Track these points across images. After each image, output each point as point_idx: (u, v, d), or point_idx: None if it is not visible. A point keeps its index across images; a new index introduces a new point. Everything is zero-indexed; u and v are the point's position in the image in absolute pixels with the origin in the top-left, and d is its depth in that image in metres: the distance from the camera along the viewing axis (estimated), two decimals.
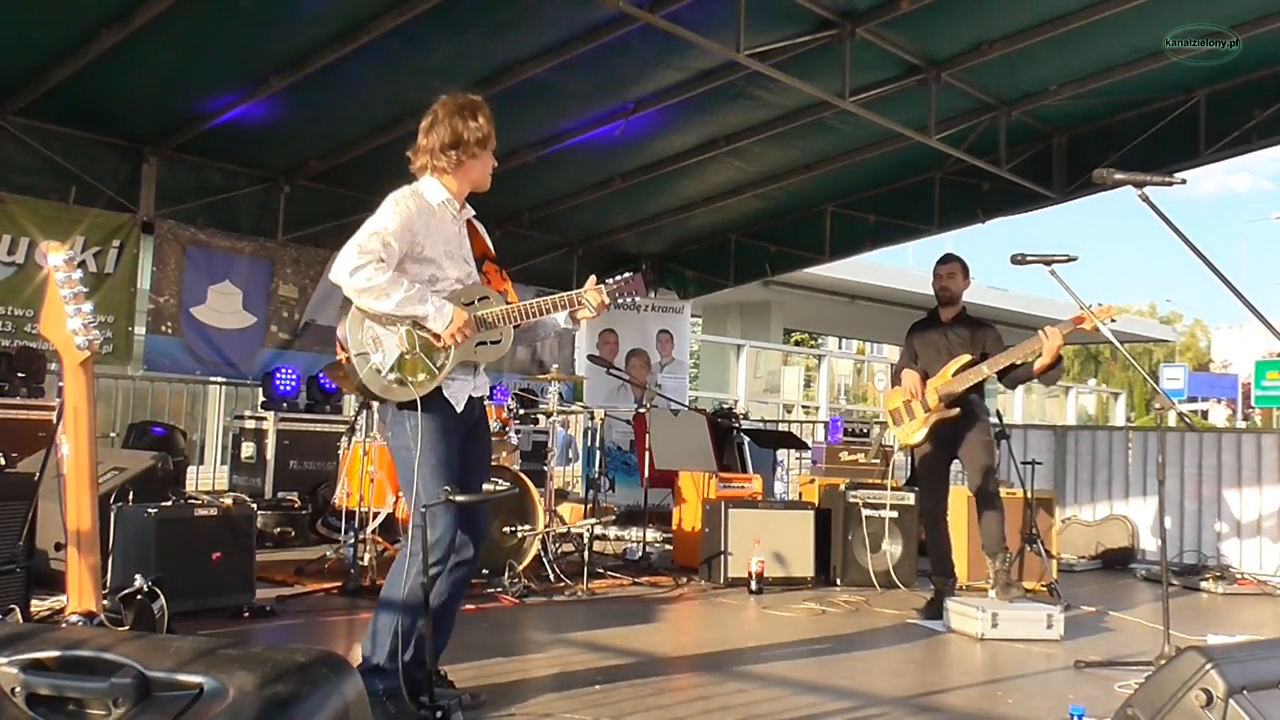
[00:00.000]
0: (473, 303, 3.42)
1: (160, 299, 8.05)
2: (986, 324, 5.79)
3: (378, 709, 3.21)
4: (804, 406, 21.95)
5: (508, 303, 3.50)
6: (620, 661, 4.23)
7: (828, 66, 6.91)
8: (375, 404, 3.48)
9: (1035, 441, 8.92)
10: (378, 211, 3.34)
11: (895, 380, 5.77)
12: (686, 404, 9.66)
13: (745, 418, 10.37)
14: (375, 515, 5.83)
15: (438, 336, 3.32)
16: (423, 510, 3.16)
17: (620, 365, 9.81)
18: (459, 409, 3.41)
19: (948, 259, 5.77)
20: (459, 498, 3.16)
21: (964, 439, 5.56)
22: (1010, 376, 5.50)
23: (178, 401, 8.86)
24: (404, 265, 3.32)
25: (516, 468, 6.24)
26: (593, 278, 3.60)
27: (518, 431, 6.70)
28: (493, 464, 5.89)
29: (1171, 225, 3.38)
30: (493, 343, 3.46)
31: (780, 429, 11.24)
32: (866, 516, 6.52)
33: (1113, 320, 4.82)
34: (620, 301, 3.58)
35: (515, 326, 3.50)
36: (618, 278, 3.62)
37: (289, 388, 8.20)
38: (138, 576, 2.90)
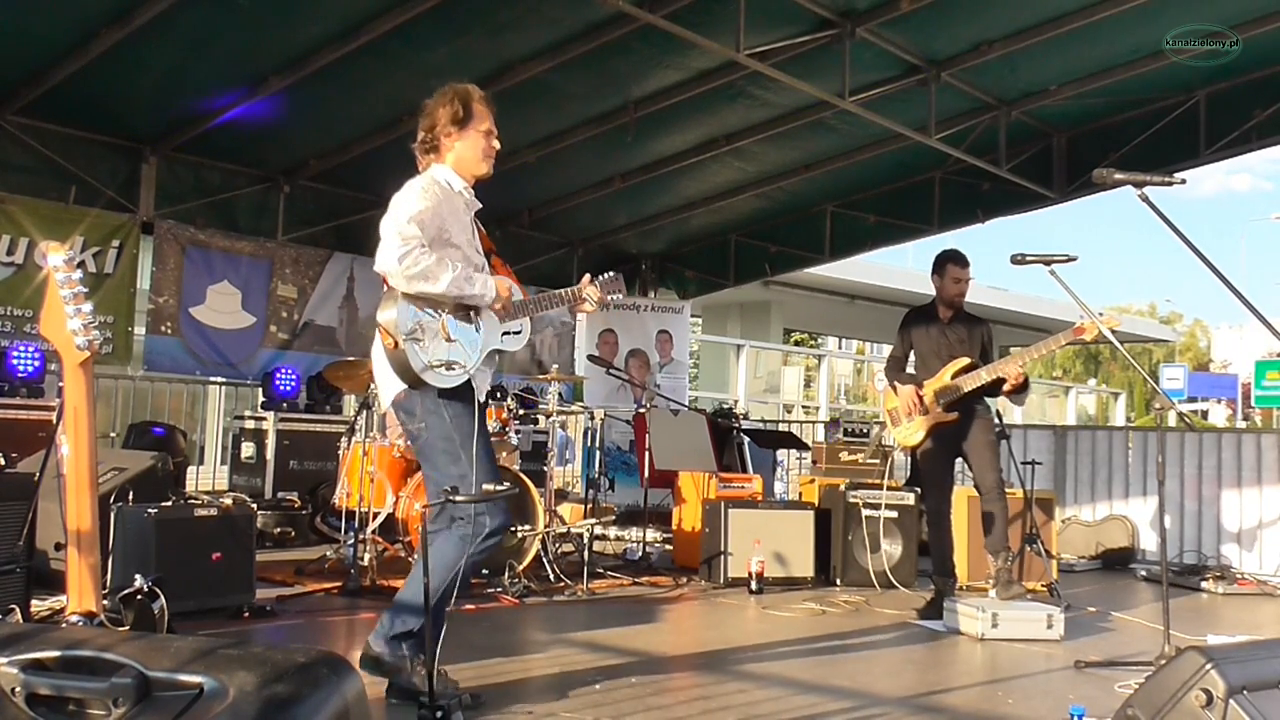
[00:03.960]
0: None
1: (160, 299, 8.05)
2: (982, 320, 5.81)
3: (403, 675, 3.32)
4: (804, 406, 21.94)
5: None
6: (620, 661, 4.22)
7: (828, 66, 6.92)
8: (398, 398, 3.40)
9: (1035, 441, 8.91)
10: (404, 197, 3.35)
11: (890, 377, 5.77)
12: (686, 404, 9.66)
13: (745, 418, 10.36)
14: (375, 515, 5.83)
15: (469, 318, 3.39)
16: (451, 494, 3.23)
17: (620, 365, 9.81)
18: (481, 399, 3.48)
19: (966, 261, 5.67)
20: (499, 489, 3.26)
21: (969, 438, 5.56)
22: (992, 390, 5.56)
23: (177, 401, 8.85)
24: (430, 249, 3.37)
25: (516, 468, 6.24)
26: (587, 276, 3.81)
27: (518, 432, 6.69)
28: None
29: (1171, 225, 3.38)
30: (514, 333, 3.58)
31: (780, 429, 11.24)
32: (866, 516, 6.51)
33: (1112, 330, 4.82)
34: (614, 300, 3.87)
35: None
36: (606, 275, 3.86)
37: (289, 388, 8.20)
38: (138, 576, 2.90)
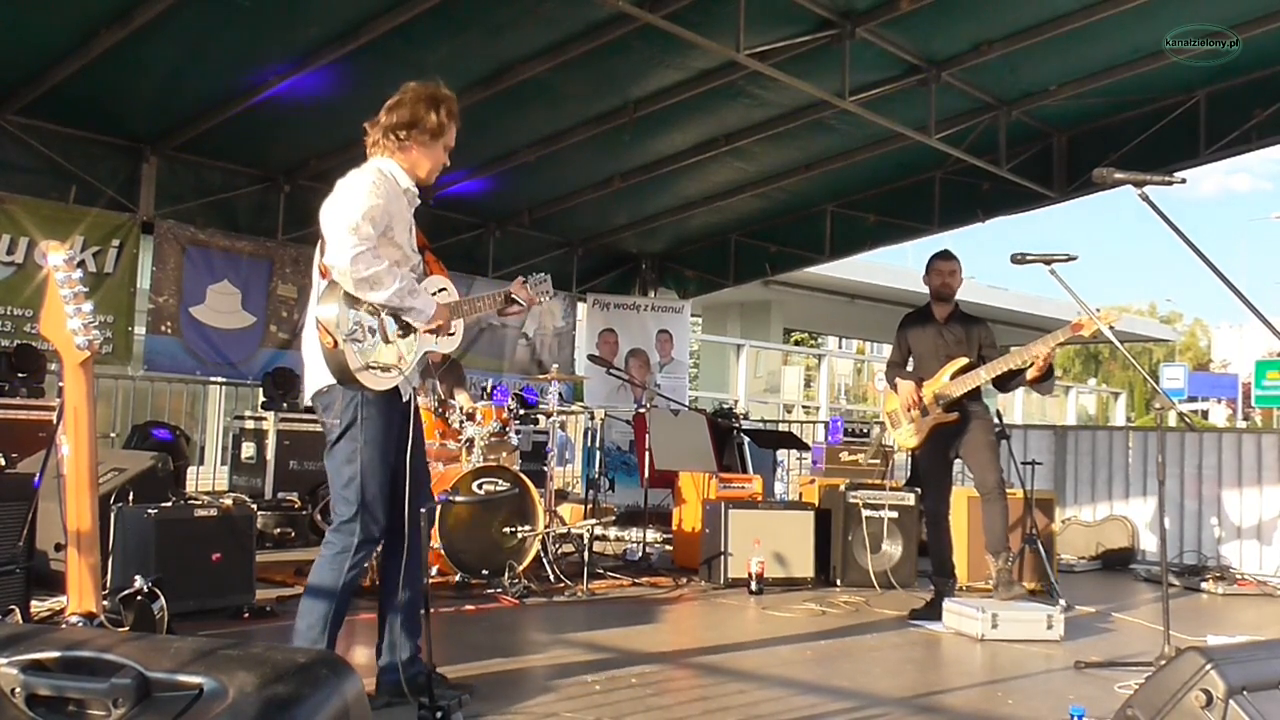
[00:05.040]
0: (436, 294, 3.48)
1: (160, 299, 8.05)
2: (979, 320, 5.80)
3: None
4: (804, 406, 21.95)
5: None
6: (620, 661, 4.22)
7: (827, 66, 6.92)
8: (321, 390, 3.32)
9: (1035, 441, 8.91)
10: (355, 189, 3.29)
11: (890, 377, 5.77)
12: (686, 404, 9.66)
13: (745, 418, 10.36)
14: None
15: (407, 327, 3.33)
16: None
17: (620, 365, 9.81)
18: (405, 397, 3.43)
19: (949, 255, 5.74)
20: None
21: (967, 439, 5.55)
22: (1005, 383, 5.54)
23: (178, 401, 8.86)
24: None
25: (516, 468, 6.24)
26: (520, 278, 3.85)
27: (518, 432, 6.69)
28: (493, 464, 5.92)
29: (1171, 225, 3.38)
30: (449, 334, 3.54)
31: (780, 429, 11.24)
32: (866, 517, 6.51)
33: (1110, 326, 4.81)
34: (542, 301, 3.92)
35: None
36: (536, 276, 3.89)
37: None
38: (138, 577, 2.91)
